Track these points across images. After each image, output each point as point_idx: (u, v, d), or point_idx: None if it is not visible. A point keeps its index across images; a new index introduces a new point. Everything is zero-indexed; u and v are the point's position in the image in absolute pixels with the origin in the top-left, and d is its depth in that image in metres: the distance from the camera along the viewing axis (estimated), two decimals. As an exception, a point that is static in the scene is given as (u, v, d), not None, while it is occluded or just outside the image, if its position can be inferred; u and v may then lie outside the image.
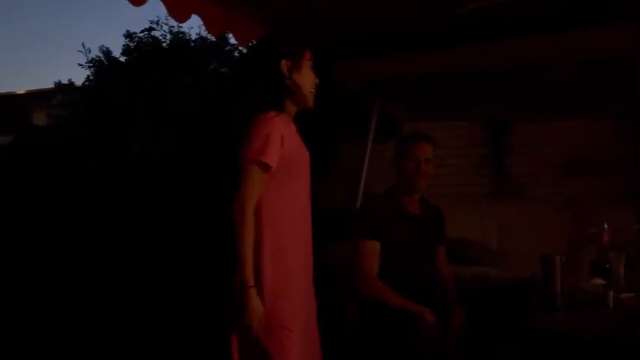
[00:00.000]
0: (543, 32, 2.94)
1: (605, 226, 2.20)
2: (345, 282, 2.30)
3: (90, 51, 6.61)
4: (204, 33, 6.19)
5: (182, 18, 2.53)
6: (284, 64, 1.78)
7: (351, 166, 3.91)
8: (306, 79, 1.81)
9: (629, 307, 1.72)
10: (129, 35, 6.36)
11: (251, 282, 1.64)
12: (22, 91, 17.24)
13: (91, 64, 6.64)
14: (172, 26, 6.43)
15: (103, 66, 6.58)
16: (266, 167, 1.68)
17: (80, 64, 6.71)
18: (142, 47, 6.00)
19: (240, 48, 5.21)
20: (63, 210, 5.06)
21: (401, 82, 3.70)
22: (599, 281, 1.95)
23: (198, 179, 4.37)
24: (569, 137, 3.61)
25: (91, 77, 6.65)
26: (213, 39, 5.66)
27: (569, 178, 3.49)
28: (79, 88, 7.08)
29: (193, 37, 6.45)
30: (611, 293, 1.77)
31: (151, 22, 6.41)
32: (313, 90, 1.84)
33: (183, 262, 4.25)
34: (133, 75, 5.69)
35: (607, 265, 2.07)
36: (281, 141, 1.70)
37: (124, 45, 6.37)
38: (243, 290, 1.64)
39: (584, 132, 3.55)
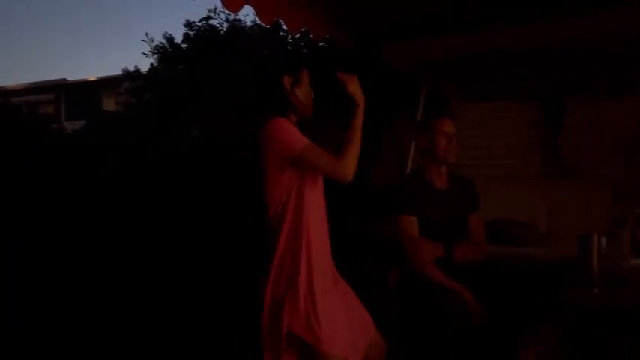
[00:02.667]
0: (599, 10, 2.88)
1: (651, 207, 2.19)
2: (390, 252, 2.42)
3: (153, 40, 6.95)
4: (259, 20, 6.36)
5: (235, 8, 2.68)
6: (286, 80, 1.92)
7: (402, 144, 3.98)
8: (306, 93, 1.96)
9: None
10: (188, 24, 6.64)
11: None
12: (93, 78, 18.20)
13: (155, 51, 6.98)
14: (229, 14, 6.66)
15: (166, 53, 6.90)
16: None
17: (144, 53, 7.07)
18: (200, 36, 6.25)
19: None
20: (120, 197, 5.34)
21: (452, 62, 3.71)
22: (639, 261, 1.96)
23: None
24: (624, 116, 3.51)
25: (155, 65, 6.99)
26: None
27: (623, 158, 3.40)
28: (144, 75, 7.45)
29: (249, 24, 6.66)
30: (643, 271, 1.79)
31: (209, 11, 6.66)
32: (311, 103, 1.99)
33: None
34: (192, 63, 5.94)
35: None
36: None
37: (184, 34, 6.66)
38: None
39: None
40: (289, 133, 1.85)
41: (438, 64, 3.76)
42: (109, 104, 14.57)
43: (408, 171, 3.68)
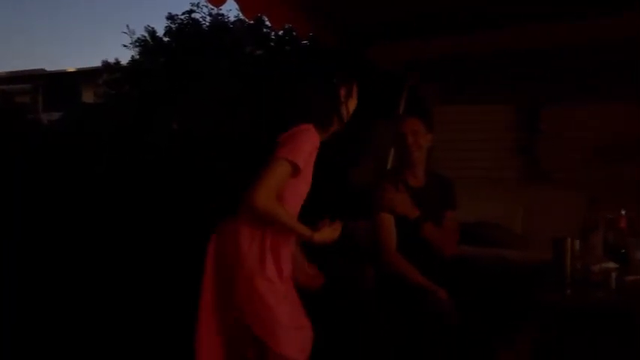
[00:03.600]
0: (582, 16, 2.94)
1: (623, 212, 2.23)
2: (366, 252, 2.43)
3: (134, 32, 6.87)
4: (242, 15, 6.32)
5: (218, 2, 2.66)
6: (342, 91, 1.89)
7: (382, 145, 4.00)
8: (353, 106, 1.94)
9: (629, 288, 1.78)
10: (170, 17, 6.57)
11: (309, 233, 1.81)
12: (72, 69, 17.91)
13: (137, 44, 6.89)
14: (212, 8, 6.60)
15: (148, 46, 6.81)
16: (295, 169, 1.78)
17: (124, 45, 6.98)
18: (182, 29, 6.19)
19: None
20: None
21: (436, 64, 3.74)
22: (611, 264, 2.00)
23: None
24: (601, 122, 3.57)
25: (136, 57, 6.90)
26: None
27: (599, 164, 3.46)
28: (124, 67, 7.34)
29: (232, 19, 6.60)
30: (614, 275, 1.83)
31: (192, 5, 6.60)
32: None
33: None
34: (174, 56, 5.89)
35: (622, 250, 2.12)
36: (313, 153, 1.83)
37: (166, 27, 6.59)
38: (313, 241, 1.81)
39: (617, 117, 3.51)
40: (302, 144, 1.79)
41: (420, 66, 3.79)
42: (88, 96, 14.34)
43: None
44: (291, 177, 1.79)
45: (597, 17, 2.91)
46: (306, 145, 1.79)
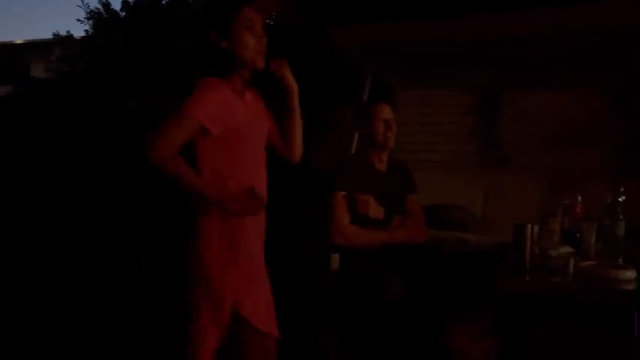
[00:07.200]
0: (546, 4, 2.97)
1: (579, 197, 2.30)
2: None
3: (88, 6, 6.58)
4: (203, -9, 6.13)
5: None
6: (212, 36, 1.75)
7: (344, 130, 3.98)
8: (243, 43, 1.74)
9: (586, 274, 1.84)
10: (128, -10, 6.31)
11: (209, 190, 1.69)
12: (20, 41, 17.04)
13: (90, 17, 6.60)
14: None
15: (102, 19, 6.55)
16: (201, 128, 1.66)
17: (79, 20, 6.67)
18: (140, 4, 5.96)
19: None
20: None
21: (399, 48, 3.73)
22: (568, 249, 2.06)
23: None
24: (560, 110, 3.66)
25: (90, 31, 6.61)
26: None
27: (556, 150, 3.56)
28: (77, 41, 7.04)
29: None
30: (572, 261, 1.88)
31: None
32: (259, 49, 1.76)
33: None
34: (131, 31, 5.67)
35: (578, 235, 2.18)
36: (224, 107, 1.70)
37: (122, 1, 6.34)
38: (212, 201, 1.69)
39: (576, 105, 3.60)
40: (203, 99, 1.67)
41: (382, 50, 3.77)
42: (37, 70, 13.71)
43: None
44: (202, 137, 1.68)
45: (560, 6, 2.96)
46: (207, 99, 1.67)
